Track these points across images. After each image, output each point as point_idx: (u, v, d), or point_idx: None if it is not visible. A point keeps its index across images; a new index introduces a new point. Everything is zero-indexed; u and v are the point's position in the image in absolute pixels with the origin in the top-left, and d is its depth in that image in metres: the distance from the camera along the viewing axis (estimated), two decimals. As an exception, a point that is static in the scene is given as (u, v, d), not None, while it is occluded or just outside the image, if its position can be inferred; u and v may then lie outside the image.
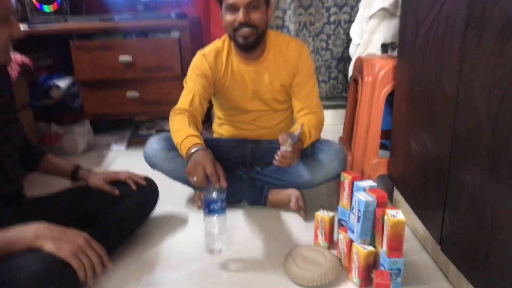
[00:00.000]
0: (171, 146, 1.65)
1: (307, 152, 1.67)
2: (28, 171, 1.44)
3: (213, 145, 1.73)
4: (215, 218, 1.35)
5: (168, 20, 2.31)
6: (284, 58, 1.68)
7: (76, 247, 1.03)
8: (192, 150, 1.41)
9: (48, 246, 1.00)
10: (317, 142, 1.69)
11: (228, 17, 1.56)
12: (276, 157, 1.44)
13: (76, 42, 2.25)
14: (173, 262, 1.41)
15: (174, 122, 1.58)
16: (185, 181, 1.71)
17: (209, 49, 1.71)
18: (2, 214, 1.18)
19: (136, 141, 2.54)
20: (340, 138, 2.20)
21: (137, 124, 2.68)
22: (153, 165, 1.71)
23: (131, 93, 2.33)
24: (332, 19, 2.85)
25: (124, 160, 2.32)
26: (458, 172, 1.21)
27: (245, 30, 1.55)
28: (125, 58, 2.24)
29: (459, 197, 1.21)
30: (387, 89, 1.76)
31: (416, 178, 1.52)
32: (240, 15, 1.52)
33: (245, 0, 1.51)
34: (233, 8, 1.53)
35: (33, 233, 1.02)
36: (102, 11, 2.55)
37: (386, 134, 1.87)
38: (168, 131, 1.62)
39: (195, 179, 1.31)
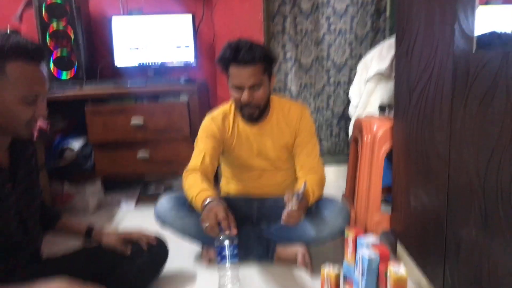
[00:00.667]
0: (180, 206, 1.74)
1: (312, 210, 1.74)
2: (45, 231, 1.51)
3: None
4: (227, 265, 1.40)
5: (177, 85, 2.46)
6: (286, 121, 1.80)
7: None
8: (206, 202, 1.53)
9: None
10: (321, 201, 1.77)
11: (234, 94, 1.70)
12: (283, 217, 1.51)
13: (90, 107, 2.38)
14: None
15: (187, 180, 1.68)
16: (194, 238, 1.78)
17: (217, 113, 1.84)
18: (23, 273, 1.24)
19: (145, 199, 2.62)
20: (343, 195, 2.27)
21: (146, 183, 2.77)
22: (163, 223, 1.78)
23: (142, 154, 2.44)
24: (331, 80, 3.00)
25: (133, 218, 2.38)
26: (455, 226, 1.28)
27: (249, 109, 1.70)
28: (136, 121, 2.36)
29: (457, 250, 1.27)
30: (385, 148, 1.86)
31: (416, 232, 1.58)
32: (244, 96, 1.65)
33: (249, 82, 1.64)
34: (238, 88, 1.66)
35: (57, 287, 1.08)
36: (115, 77, 2.71)
37: (388, 189, 1.95)
38: (177, 189, 1.71)
39: (207, 224, 1.38)
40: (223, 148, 1.83)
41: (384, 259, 1.31)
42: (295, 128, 1.80)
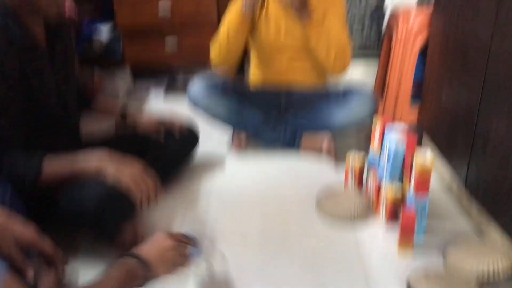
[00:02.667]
0: (214, 88, 1.78)
1: (339, 97, 1.76)
2: (83, 109, 1.55)
3: (249, 92, 1.82)
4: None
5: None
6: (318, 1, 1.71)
7: (135, 172, 1.16)
8: None
9: (110, 169, 1.13)
10: (349, 89, 1.78)
11: None
12: None
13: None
14: (213, 202, 1.53)
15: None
16: (225, 121, 1.83)
17: None
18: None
19: (174, 89, 2.65)
20: (373, 88, 2.25)
21: (174, 74, 2.78)
22: (195, 105, 1.81)
23: (170, 41, 2.41)
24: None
25: (162, 106, 2.43)
26: (486, 119, 1.28)
27: None
28: (164, 6, 2.31)
29: (485, 143, 1.28)
30: (421, 39, 1.79)
31: (444, 125, 1.59)
32: None
33: None
34: None
35: (98, 157, 1.16)
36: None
37: (418, 85, 1.92)
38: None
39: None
40: (251, 29, 1.79)
41: (411, 145, 1.33)
42: (324, 8, 1.71)
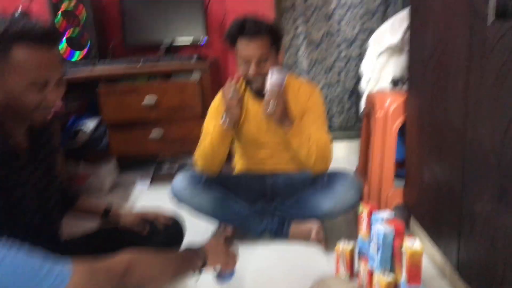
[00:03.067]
0: (196, 183, 1.76)
1: (324, 183, 1.76)
2: (64, 211, 1.53)
3: (234, 181, 1.83)
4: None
5: (189, 63, 2.45)
6: (296, 99, 1.79)
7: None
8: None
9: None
10: (333, 174, 1.78)
11: (242, 68, 1.72)
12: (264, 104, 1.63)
13: (103, 88, 2.39)
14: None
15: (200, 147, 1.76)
16: (210, 216, 1.80)
17: None
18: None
19: (159, 178, 2.65)
20: (356, 170, 2.27)
21: (160, 163, 2.80)
22: (179, 201, 1.80)
23: (155, 133, 2.45)
24: (342, 55, 2.97)
25: (148, 198, 2.41)
26: (470, 201, 1.28)
27: (256, 83, 1.71)
28: (149, 100, 2.37)
29: (472, 224, 1.27)
30: (398, 122, 1.85)
31: (430, 207, 1.59)
32: (251, 69, 1.67)
33: (255, 56, 1.66)
34: (246, 61, 1.68)
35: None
36: (126, 55, 2.70)
37: (400, 164, 1.95)
38: (191, 168, 1.74)
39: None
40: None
41: (399, 234, 1.32)
42: (303, 107, 1.79)
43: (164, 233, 1.57)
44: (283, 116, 1.64)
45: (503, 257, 1.12)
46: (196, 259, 1.10)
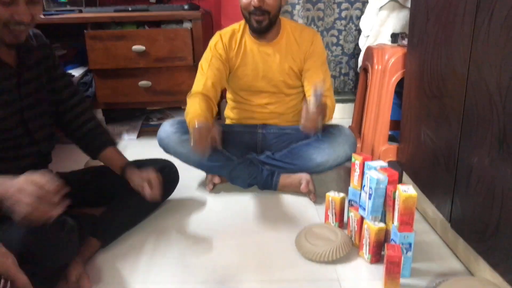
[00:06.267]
0: (184, 130, 1.69)
1: (318, 136, 1.71)
2: (93, 158, 1.47)
3: (225, 131, 1.77)
4: None
5: (180, 11, 2.35)
6: (297, 43, 1.74)
7: (32, 192, 0.95)
8: (196, 125, 1.40)
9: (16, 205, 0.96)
10: (328, 127, 1.73)
11: (244, 0, 1.63)
12: (302, 120, 1.39)
13: (90, 32, 2.29)
14: (189, 238, 1.45)
15: (188, 105, 1.62)
16: (198, 165, 1.75)
17: (226, 30, 1.79)
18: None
19: (147, 131, 2.58)
20: (349, 126, 2.22)
21: (148, 114, 2.72)
22: (166, 149, 1.74)
23: (144, 83, 2.37)
24: (343, 14, 2.87)
25: (135, 150, 2.35)
26: (467, 153, 1.24)
27: (258, 15, 1.62)
28: (138, 47, 2.28)
29: (468, 176, 1.24)
30: (396, 76, 1.79)
31: (425, 162, 1.55)
32: (254, 1, 1.59)
33: None
34: None
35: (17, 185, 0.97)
36: (115, 3, 2.59)
37: (394, 124, 1.90)
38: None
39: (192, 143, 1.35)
40: (229, 66, 1.77)
41: (392, 181, 1.28)
42: (305, 51, 1.73)
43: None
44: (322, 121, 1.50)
45: (498, 208, 1.09)
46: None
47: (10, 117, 1.19)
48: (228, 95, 1.90)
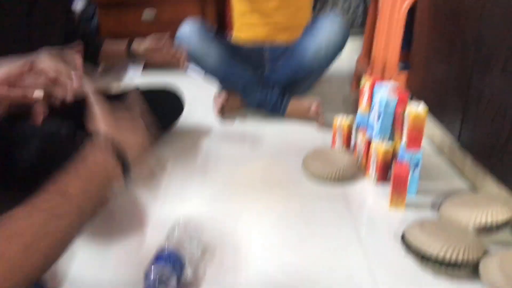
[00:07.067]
0: (206, 32, 1.73)
1: (307, 27, 1.73)
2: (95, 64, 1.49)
3: (232, 51, 1.77)
4: None
5: None
6: None
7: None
8: None
9: None
10: (318, 17, 1.74)
11: None
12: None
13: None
14: (198, 161, 1.46)
15: None
16: (213, 69, 1.75)
17: None
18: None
19: (151, 65, 2.53)
20: (358, 59, 2.18)
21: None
22: (186, 45, 1.68)
23: (148, 13, 2.31)
24: None
25: (140, 82, 2.33)
26: (479, 76, 1.22)
27: None
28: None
29: (479, 96, 1.22)
30: (408, 2, 1.73)
31: (436, 87, 1.53)
32: None
33: None
34: None
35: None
36: None
37: (403, 55, 1.85)
38: None
39: None
40: None
41: (402, 101, 1.26)
42: None
43: (163, 108, 1.51)
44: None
45: (509, 124, 1.08)
46: (110, 164, 0.66)
47: (16, 47, 1.08)
48: (236, 12, 1.87)
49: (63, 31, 1.29)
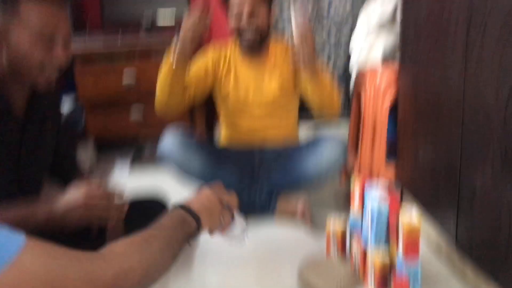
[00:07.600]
0: (188, 144, 1.73)
1: (309, 147, 1.74)
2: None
3: (222, 154, 1.79)
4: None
5: (170, 42, 2.33)
6: (286, 51, 1.80)
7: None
8: None
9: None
10: (317, 138, 1.77)
11: (233, 20, 1.70)
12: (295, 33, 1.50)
13: (79, 68, 2.27)
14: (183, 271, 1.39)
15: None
16: (198, 177, 1.74)
17: (219, 43, 1.90)
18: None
19: (139, 158, 2.53)
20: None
21: (140, 147, 2.67)
22: (168, 160, 1.74)
23: (135, 114, 2.34)
24: (332, 40, 2.86)
25: (128, 179, 2.29)
26: (469, 171, 1.20)
27: (249, 34, 1.69)
28: (128, 80, 2.25)
29: (472, 194, 1.19)
30: (390, 96, 1.76)
31: (425, 181, 1.51)
32: (243, 22, 1.67)
33: (248, 6, 1.65)
34: (238, 13, 1.67)
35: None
36: (105, 29, 2.58)
37: (390, 145, 1.86)
38: None
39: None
40: (219, 88, 1.81)
41: (394, 205, 1.22)
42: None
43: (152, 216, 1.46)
44: (314, 53, 1.55)
45: (506, 228, 1.04)
46: (190, 225, 0.91)
47: (5, 173, 1.09)
48: (222, 119, 1.90)
49: (52, 154, 1.26)
